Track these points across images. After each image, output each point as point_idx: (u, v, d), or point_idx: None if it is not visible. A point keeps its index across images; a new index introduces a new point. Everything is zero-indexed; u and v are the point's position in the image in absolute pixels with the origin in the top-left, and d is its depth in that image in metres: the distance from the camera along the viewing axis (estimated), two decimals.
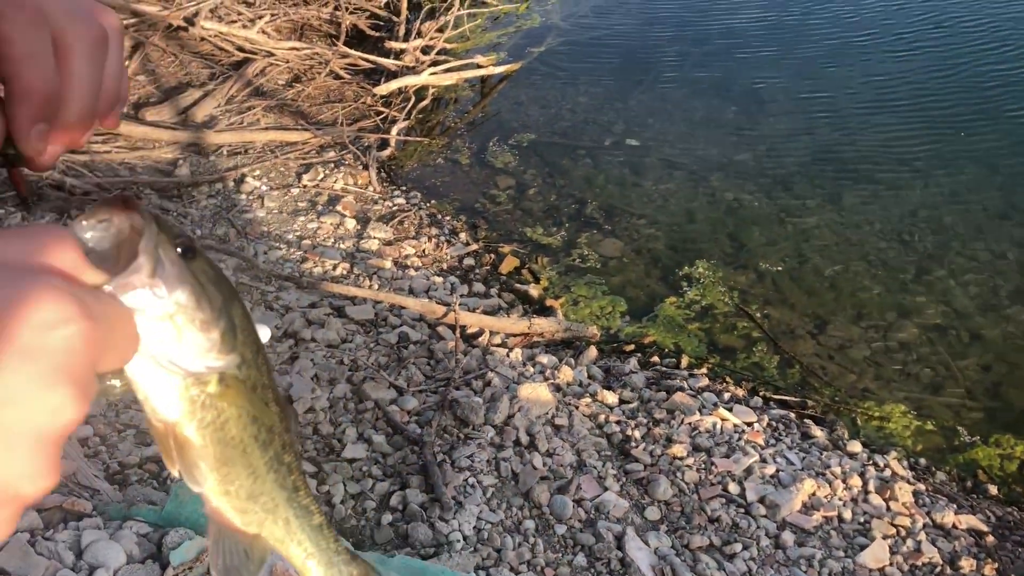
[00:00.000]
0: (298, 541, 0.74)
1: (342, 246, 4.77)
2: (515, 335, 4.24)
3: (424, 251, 4.91)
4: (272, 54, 6.06)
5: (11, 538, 1.83)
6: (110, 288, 0.53)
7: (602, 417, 3.61)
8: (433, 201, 5.39)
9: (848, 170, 5.63)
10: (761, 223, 5.17)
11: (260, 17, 6.12)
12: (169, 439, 0.61)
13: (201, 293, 0.58)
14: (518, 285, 4.71)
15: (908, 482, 3.38)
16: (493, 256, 4.97)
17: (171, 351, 0.57)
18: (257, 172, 5.26)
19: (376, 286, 4.44)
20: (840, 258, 4.87)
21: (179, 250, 0.58)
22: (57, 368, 0.46)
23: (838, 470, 3.38)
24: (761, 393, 4.03)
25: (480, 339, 4.16)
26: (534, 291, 4.66)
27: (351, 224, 4.96)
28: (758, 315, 4.48)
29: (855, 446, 3.62)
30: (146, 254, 0.55)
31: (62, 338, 0.47)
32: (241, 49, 6.03)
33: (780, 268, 4.79)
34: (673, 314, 4.52)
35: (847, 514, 3.16)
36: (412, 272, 4.66)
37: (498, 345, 4.15)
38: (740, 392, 4.01)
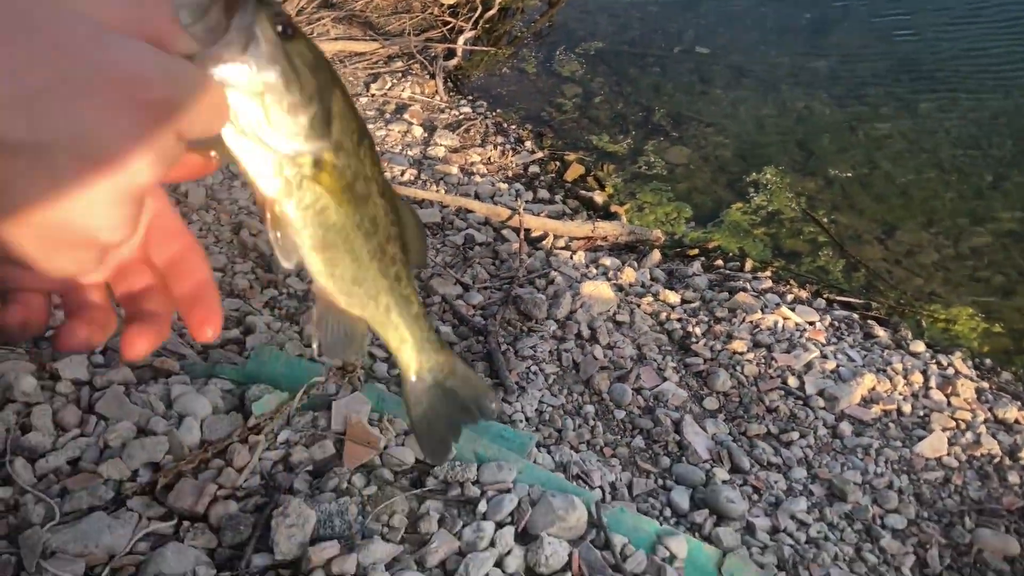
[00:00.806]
0: (395, 326, 0.77)
1: (409, 153, 4.86)
2: (579, 238, 4.29)
3: (490, 159, 4.96)
4: None
5: (108, 390, 1.99)
6: (202, 57, 0.53)
7: (663, 315, 3.67)
8: (499, 110, 5.42)
9: (926, 78, 5.46)
10: (832, 131, 5.07)
11: None
12: (267, 212, 0.63)
13: (292, 76, 0.57)
14: (583, 192, 4.74)
15: (971, 380, 3.37)
16: (558, 164, 5.00)
17: (260, 129, 0.58)
18: None
19: (443, 191, 4.52)
20: (913, 165, 4.76)
21: (278, 28, 0.56)
22: (138, 129, 0.49)
23: (899, 367, 3.38)
24: (825, 295, 4.03)
25: (544, 242, 4.22)
26: (599, 198, 4.68)
27: (418, 132, 5.04)
28: (825, 220, 4.44)
29: (919, 346, 3.61)
30: (239, 30, 0.54)
31: (143, 101, 0.49)
32: None
33: (850, 175, 4.72)
34: (739, 219, 4.51)
35: (907, 408, 3.18)
36: (478, 179, 4.73)
37: (562, 248, 4.22)
38: (803, 294, 4.01)
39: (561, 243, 4.27)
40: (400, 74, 5.53)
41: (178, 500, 1.62)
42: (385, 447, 1.85)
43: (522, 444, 1.89)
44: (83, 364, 2.07)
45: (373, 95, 5.29)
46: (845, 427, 3.07)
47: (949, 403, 3.23)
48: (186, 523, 1.60)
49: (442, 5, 5.98)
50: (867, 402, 3.20)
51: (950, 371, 3.44)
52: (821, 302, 3.95)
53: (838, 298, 3.99)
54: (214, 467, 1.75)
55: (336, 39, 5.62)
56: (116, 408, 1.93)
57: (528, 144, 5.13)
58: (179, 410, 1.96)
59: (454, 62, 5.67)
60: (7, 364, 2.05)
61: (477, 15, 5.97)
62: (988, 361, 3.65)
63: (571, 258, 4.06)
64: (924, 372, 3.38)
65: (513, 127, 5.28)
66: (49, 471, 1.67)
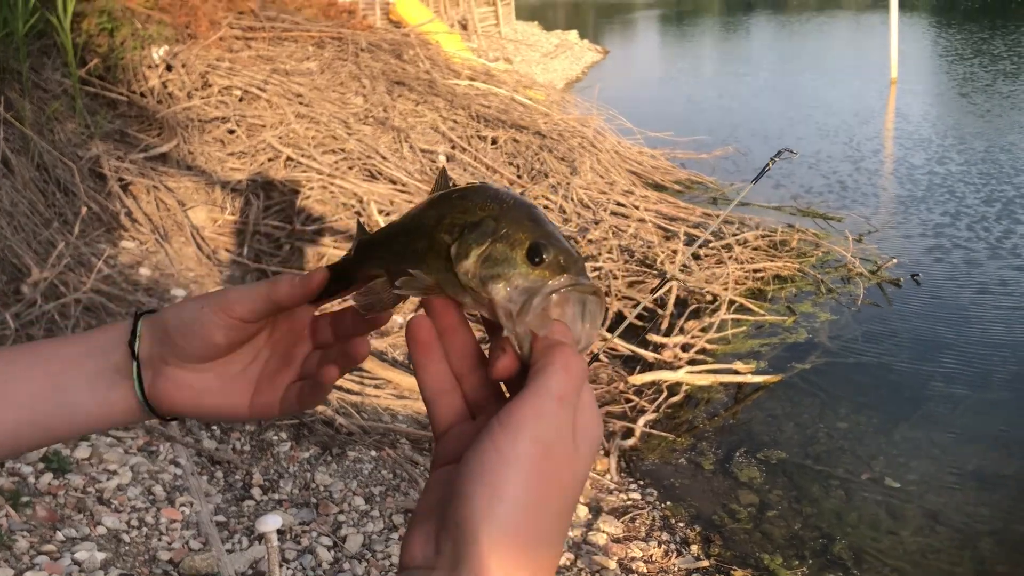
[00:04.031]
0: None
1: (570, 534, 4.69)
2: None
3: (652, 557, 4.70)
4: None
5: None
6: None
7: None
8: (668, 503, 5.22)
9: None
10: None
11: None
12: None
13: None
14: None
15: None
16: None
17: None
18: None
19: None
20: None
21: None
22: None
23: None
24: None
25: None
26: None
27: (582, 511, 4.89)
28: None
29: None
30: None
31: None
32: None
33: None
34: None
35: None
36: None
37: None
38: None
39: None
40: None
41: None
42: None
43: None
44: None
45: None
46: None
47: None
48: None
49: (628, 383, 6.07)
50: None
51: None
52: None
53: None
54: None
55: None
56: None
57: (694, 548, 4.85)
58: None
59: (631, 442, 5.63)
60: None
61: (662, 398, 5.99)
62: None
63: None
64: None
65: (681, 524, 5.05)
66: None
